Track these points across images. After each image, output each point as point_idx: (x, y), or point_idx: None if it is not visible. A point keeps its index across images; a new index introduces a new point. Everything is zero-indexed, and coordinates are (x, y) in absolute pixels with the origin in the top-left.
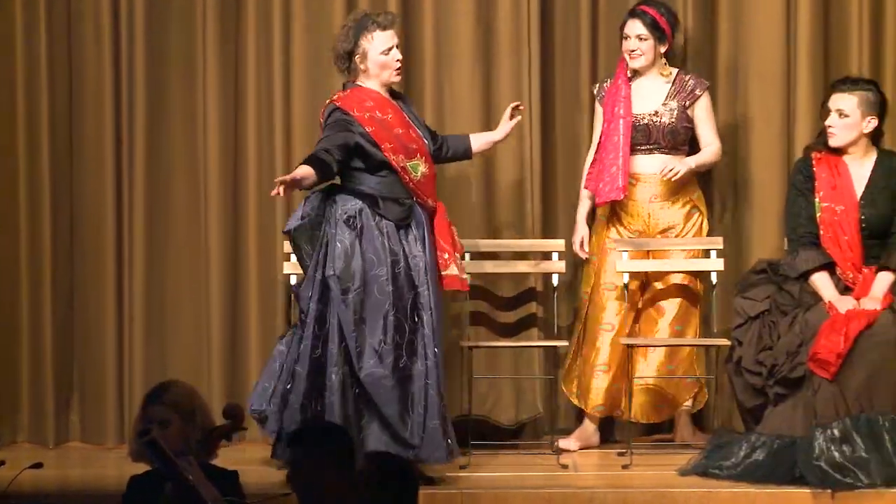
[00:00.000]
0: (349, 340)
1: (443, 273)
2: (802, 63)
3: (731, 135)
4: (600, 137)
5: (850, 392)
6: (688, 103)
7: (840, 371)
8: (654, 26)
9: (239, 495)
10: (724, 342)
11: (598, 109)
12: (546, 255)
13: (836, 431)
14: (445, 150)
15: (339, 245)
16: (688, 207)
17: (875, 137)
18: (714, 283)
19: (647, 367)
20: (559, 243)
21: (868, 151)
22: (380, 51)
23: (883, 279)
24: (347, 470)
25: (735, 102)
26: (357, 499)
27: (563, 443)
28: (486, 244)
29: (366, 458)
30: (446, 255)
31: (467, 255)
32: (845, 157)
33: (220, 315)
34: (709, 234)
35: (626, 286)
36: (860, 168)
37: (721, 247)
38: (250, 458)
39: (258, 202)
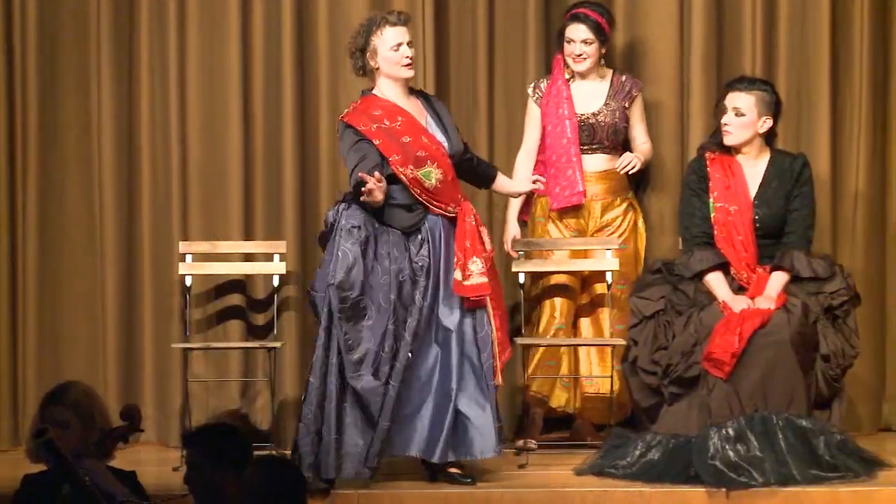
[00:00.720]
0: (343, 351)
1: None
2: (696, 64)
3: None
4: (545, 139)
5: (744, 391)
6: (627, 104)
7: (734, 370)
8: (598, 30)
9: (140, 495)
10: (620, 342)
11: (534, 110)
12: None
13: (730, 430)
14: (476, 163)
15: (340, 254)
16: (625, 206)
17: (769, 138)
18: (609, 282)
19: (594, 368)
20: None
21: (762, 152)
22: (389, 46)
23: (777, 279)
24: (242, 471)
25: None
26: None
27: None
28: None
29: (254, 465)
30: (454, 260)
31: None
32: (739, 157)
33: (116, 317)
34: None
35: (521, 286)
36: (754, 168)
37: (616, 246)
38: (146, 459)
39: (153, 204)
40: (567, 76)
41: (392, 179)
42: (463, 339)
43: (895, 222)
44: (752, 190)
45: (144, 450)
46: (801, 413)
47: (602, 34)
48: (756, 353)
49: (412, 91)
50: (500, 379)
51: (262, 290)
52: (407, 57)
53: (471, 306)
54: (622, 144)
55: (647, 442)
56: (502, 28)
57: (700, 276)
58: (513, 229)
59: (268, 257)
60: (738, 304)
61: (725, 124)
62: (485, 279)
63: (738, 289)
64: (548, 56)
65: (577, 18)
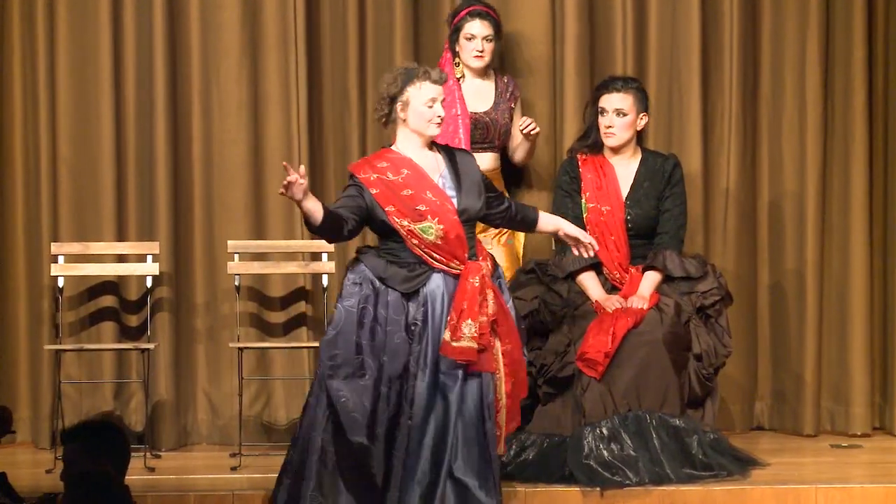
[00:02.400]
0: (338, 408)
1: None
2: (569, 64)
3: None
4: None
5: (618, 391)
6: (512, 104)
7: (608, 370)
8: (497, 27)
9: (11, 496)
10: None
11: None
12: (315, 256)
13: (604, 430)
14: (515, 212)
15: (337, 311)
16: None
17: (639, 137)
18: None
19: None
20: (329, 244)
21: (635, 152)
22: (423, 101)
23: (650, 278)
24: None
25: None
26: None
27: None
28: (256, 245)
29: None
30: (449, 320)
31: (236, 257)
32: (612, 158)
33: None
34: None
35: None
36: (626, 168)
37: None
38: (19, 461)
39: (25, 205)
40: (458, 75)
41: (391, 235)
42: (463, 405)
43: (766, 222)
44: (624, 190)
45: (17, 451)
46: (675, 412)
47: (499, 32)
48: (629, 353)
49: (435, 145)
50: (503, 448)
51: (136, 291)
52: (439, 116)
53: (476, 370)
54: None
55: (522, 442)
56: (373, 29)
57: (573, 276)
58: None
59: (141, 258)
60: (611, 303)
61: (609, 126)
62: (474, 344)
63: (612, 289)
64: (416, 54)
65: (478, 15)
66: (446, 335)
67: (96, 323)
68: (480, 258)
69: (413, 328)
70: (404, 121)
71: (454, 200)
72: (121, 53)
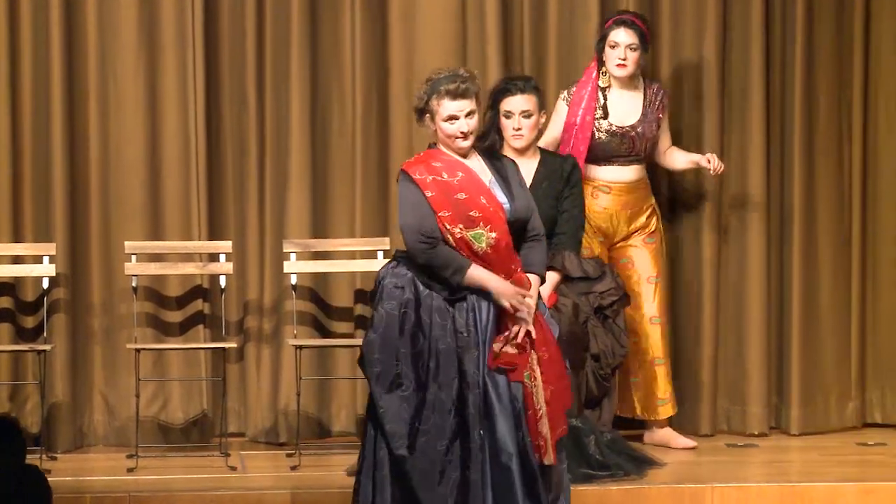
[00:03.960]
0: (382, 420)
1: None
2: (491, 63)
3: (406, 135)
4: (563, 145)
5: None
6: (661, 114)
7: None
8: (643, 37)
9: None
10: None
11: (562, 108)
12: (213, 257)
13: None
14: (529, 248)
15: (376, 315)
16: (649, 211)
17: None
18: None
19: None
20: (226, 245)
21: (534, 152)
22: (444, 117)
23: (548, 279)
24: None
25: (408, 105)
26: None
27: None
28: (153, 246)
29: None
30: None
31: (133, 257)
32: (516, 159)
33: None
34: None
35: (294, 287)
36: (525, 168)
37: (388, 247)
38: None
39: None
40: (603, 84)
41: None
42: (511, 413)
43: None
44: None
45: None
46: (572, 412)
47: (644, 42)
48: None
49: (477, 149)
50: (551, 457)
51: (32, 292)
52: (461, 132)
53: (512, 378)
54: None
55: None
56: (272, 29)
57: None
58: None
59: (37, 259)
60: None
61: (518, 129)
62: (514, 350)
63: None
64: (314, 56)
65: (623, 23)
66: (496, 346)
67: None
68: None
69: (464, 335)
70: (435, 132)
71: (506, 208)
72: (17, 51)
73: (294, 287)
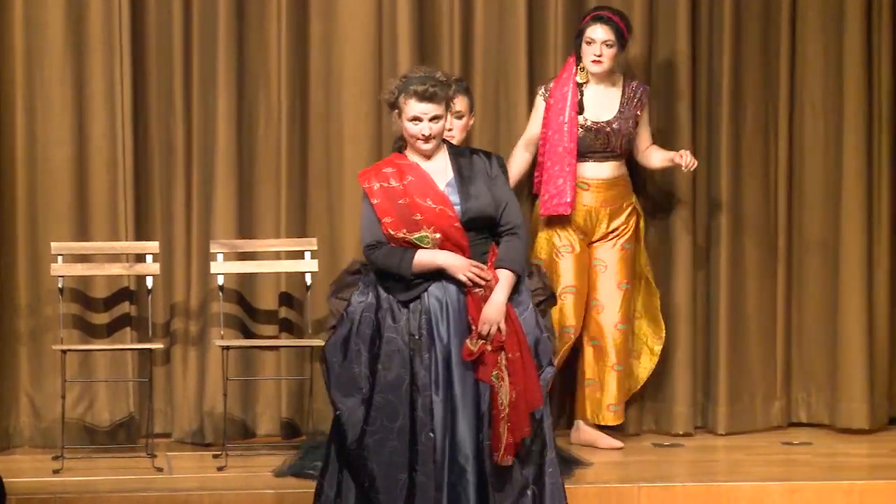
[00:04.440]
0: (338, 420)
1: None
2: (401, 66)
3: (323, 136)
4: (544, 142)
5: None
6: (639, 111)
7: None
8: (620, 33)
9: None
10: (319, 342)
11: (541, 104)
12: (140, 258)
13: None
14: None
15: (342, 318)
16: (629, 210)
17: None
18: (308, 284)
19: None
20: (153, 245)
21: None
22: (409, 117)
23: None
24: None
25: (328, 107)
26: None
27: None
28: (79, 247)
29: None
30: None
31: (59, 258)
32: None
33: None
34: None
35: (220, 287)
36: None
37: (315, 248)
38: None
39: None
40: (580, 80)
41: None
42: (474, 414)
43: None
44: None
45: None
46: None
47: (622, 38)
48: None
49: (449, 148)
50: (508, 459)
51: None
52: (423, 134)
53: (479, 377)
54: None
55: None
56: (199, 30)
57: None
58: None
59: None
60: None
61: (448, 129)
62: (488, 346)
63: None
64: (241, 57)
65: (600, 19)
66: (469, 343)
67: None
68: (489, 265)
69: (416, 337)
70: (402, 129)
71: (457, 208)
72: None
73: (221, 288)
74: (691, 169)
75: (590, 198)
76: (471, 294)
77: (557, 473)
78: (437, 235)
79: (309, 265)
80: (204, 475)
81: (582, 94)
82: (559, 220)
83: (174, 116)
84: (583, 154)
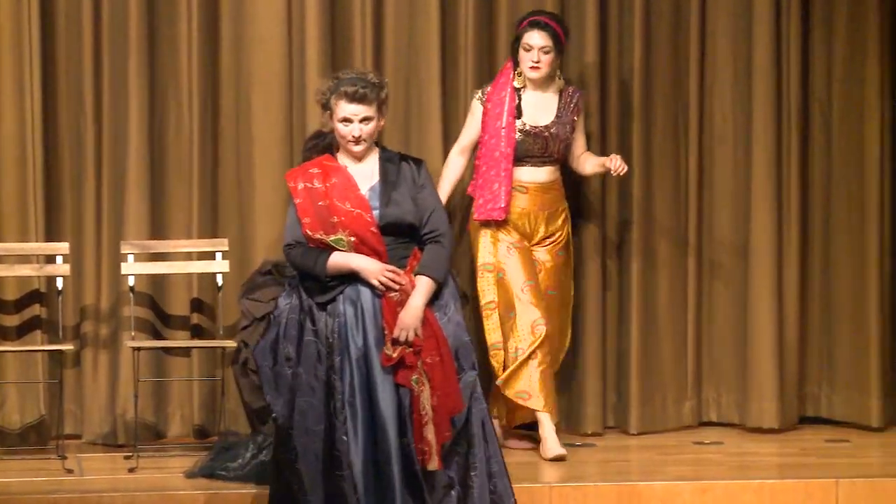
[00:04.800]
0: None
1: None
2: (309, 66)
3: (234, 136)
4: (480, 146)
5: None
6: (575, 116)
7: None
8: (557, 39)
9: None
10: (231, 344)
11: (477, 108)
12: (50, 259)
13: None
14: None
15: (272, 317)
16: (564, 216)
17: None
18: (220, 284)
19: None
20: (63, 246)
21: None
22: (339, 118)
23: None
24: None
25: (238, 107)
26: None
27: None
28: None
29: None
30: (387, 334)
31: None
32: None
33: None
34: None
35: (131, 288)
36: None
37: (227, 248)
38: None
39: None
40: (518, 85)
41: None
42: (395, 418)
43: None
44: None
45: None
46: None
47: (559, 44)
48: None
49: (383, 153)
50: (436, 463)
51: None
52: (353, 136)
53: (398, 382)
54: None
55: (259, 443)
56: (109, 30)
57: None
58: None
59: None
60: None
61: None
62: (409, 349)
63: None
64: (152, 57)
65: (537, 25)
66: (388, 349)
67: None
68: (408, 269)
69: (329, 340)
70: (332, 130)
71: (376, 213)
72: None
73: (132, 289)
74: (621, 173)
75: (526, 201)
76: (385, 298)
77: (502, 478)
78: (353, 239)
79: (220, 266)
80: (115, 476)
81: (520, 99)
82: (498, 224)
83: (84, 116)
84: (521, 158)
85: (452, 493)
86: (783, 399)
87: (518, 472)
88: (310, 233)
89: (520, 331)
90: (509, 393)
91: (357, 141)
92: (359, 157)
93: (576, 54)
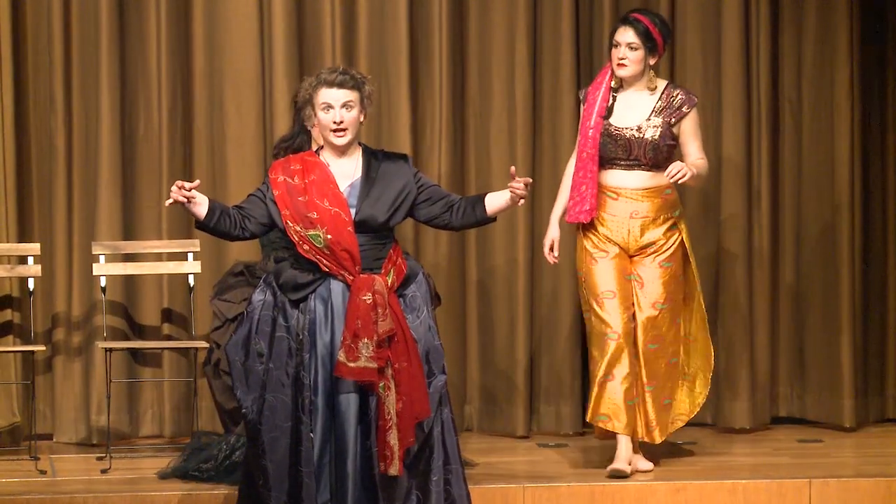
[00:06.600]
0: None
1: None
2: (279, 66)
3: (206, 136)
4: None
5: None
6: (673, 120)
7: None
8: (646, 35)
9: None
10: (203, 345)
11: (581, 110)
12: (21, 260)
13: None
14: (461, 213)
15: (245, 313)
16: (668, 224)
17: None
18: (192, 285)
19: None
20: (34, 247)
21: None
22: (320, 106)
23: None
24: None
25: (211, 107)
26: None
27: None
28: None
29: None
30: (343, 339)
31: None
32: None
33: None
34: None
35: (103, 289)
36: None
37: (198, 249)
38: None
39: None
40: (614, 85)
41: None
42: (358, 421)
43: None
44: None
45: None
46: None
47: (651, 41)
48: None
49: (366, 151)
50: (398, 468)
51: None
52: (335, 122)
53: (364, 385)
54: (667, 162)
55: (232, 444)
56: (79, 32)
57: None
58: (552, 232)
59: None
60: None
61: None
62: (373, 364)
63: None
64: (122, 58)
65: (626, 22)
66: (341, 355)
67: None
68: (382, 272)
69: (300, 336)
70: (314, 126)
71: (352, 211)
72: None
73: (104, 289)
74: (677, 179)
75: (617, 207)
76: (354, 300)
77: (458, 482)
78: (330, 237)
79: (192, 267)
80: (88, 477)
81: (614, 100)
82: (589, 227)
83: (55, 116)
84: (609, 161)
85: (413, 497)
86: (755, 399)
87: (491, 471)
88: (290, 223)
89: (594, 342)
90: (590, 418)
91: (339, 128)
92: (342, 151)
93: (550, 48)
